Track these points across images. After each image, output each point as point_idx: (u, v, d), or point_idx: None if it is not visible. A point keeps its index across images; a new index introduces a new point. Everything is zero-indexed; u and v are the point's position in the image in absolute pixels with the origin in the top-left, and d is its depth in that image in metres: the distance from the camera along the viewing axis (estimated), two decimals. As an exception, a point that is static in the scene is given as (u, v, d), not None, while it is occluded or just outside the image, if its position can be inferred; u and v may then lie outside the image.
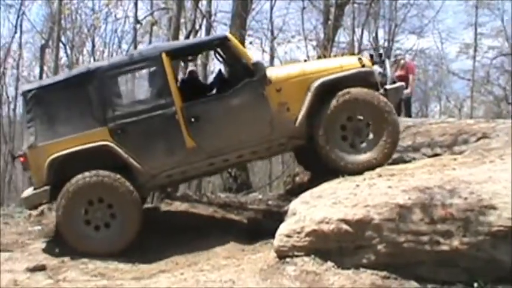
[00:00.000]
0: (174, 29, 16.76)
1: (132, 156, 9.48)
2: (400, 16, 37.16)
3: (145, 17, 27.22)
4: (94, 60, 32.74)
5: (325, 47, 23.30)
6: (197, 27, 25.05)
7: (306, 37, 31.90)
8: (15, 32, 32.84)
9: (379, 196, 7.52)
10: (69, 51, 34.38)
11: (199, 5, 22.64)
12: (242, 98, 9.67)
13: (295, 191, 11.37)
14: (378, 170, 9.08)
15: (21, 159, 9.79)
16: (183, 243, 9.54)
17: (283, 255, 7.70)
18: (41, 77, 30.14)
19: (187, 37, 20.99)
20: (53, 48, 29.93)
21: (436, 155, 10.82)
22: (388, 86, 10.54)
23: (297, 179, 13.80)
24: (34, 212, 11.87)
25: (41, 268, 8.55)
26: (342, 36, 32.39)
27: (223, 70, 12.29)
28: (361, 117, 9.70)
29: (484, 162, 8.41)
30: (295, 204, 8.30)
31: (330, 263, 7.34)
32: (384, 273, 7.13)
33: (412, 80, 17.58)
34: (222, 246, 9.31)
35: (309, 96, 9.66)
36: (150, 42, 29.56)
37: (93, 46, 36.15)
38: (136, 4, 25.19)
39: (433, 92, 46.32)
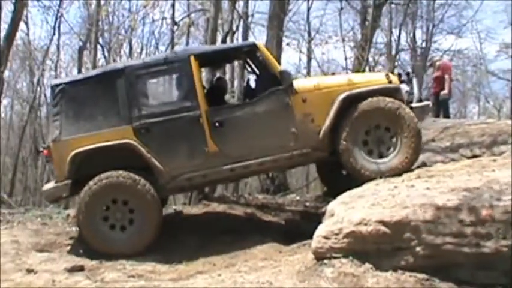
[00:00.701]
0: (211, 30, 16.79)
1: (154, 156, 9.55)
2: (438, 16, 37.11)
3: (182, 19, 27.33)
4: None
5: (363, 48, 23.28)
6: (234, 28, 25.11)
7: (343, 38, 31.78)
8: (53, 34, 33.02)
9: (418, 197, 7.43)
10: (106, 53, 34.62)
11: (236, 6, 22.70)
12: (267, 106, 9.71)
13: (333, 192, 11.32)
14: (416, 171, 9.06)
15: (45, 152, 9.96)
16: (220, 244, 9.57)
17: (320, 256, 7.63)
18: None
19: (224, 38, 21.10)
20: (91, 50, 30.24)
21: (475, 156, 10.75)
22: (414, 104, 10.54)
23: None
24: (72, 213, 11.96)
25: (79, 269, 8.59)
26: (380, 37, 32.36)
27: (251, 78, 12.30)
28: (378, 126, 9.70)
29: (525, 164, 8.29)
30: (333, 206, 8.25)
31: (368, 265, 7.26)
32: (422, 275, 7.04)
33: (449, 79, 17.37)
34: (259, 247, 9.31)
35: (333, 109, 9.66)
36: (187, 43, 29.65)
37: (131, 48, 36.44)
38: (173, 5, 25.31)
39: (471, 93, 45.91)
